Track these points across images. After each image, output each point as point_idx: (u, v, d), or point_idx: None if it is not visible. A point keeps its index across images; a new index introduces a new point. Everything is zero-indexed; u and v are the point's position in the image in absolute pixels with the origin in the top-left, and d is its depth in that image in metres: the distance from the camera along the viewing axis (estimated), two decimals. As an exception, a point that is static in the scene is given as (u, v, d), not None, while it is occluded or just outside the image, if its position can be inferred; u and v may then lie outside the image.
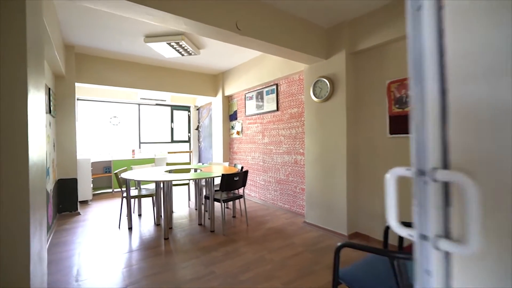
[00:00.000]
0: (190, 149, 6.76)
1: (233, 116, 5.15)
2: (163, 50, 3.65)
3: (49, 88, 3.08)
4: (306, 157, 3.23)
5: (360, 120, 2.81)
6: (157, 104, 6.20)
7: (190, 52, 3.74)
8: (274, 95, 4.01)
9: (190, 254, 2.42)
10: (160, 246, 2.62)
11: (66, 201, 3.69)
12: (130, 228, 3.14)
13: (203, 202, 3.54)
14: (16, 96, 1.07)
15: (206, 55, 4.17)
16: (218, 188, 3.52)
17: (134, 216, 3.65)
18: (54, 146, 3.42)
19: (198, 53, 3.85)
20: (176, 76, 4.93)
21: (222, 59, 4.41)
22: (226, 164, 4.20)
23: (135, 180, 2.80)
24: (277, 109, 3.96)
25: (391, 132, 2.50)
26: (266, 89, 4.20)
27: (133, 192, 3.39)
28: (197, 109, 6.75)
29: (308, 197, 3.21)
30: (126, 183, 3.12)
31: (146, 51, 3.92)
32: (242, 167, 3.61)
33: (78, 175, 4.23)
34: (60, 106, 3.64)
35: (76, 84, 4.49)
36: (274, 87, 4.01)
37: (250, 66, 4.40)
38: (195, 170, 3.86)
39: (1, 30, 1.06)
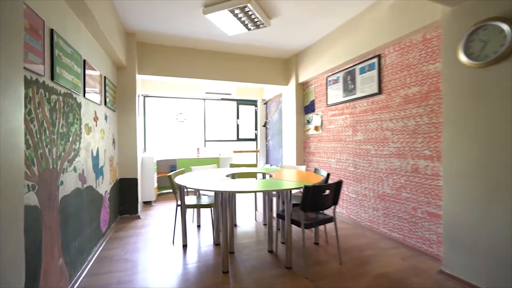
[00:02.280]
0: (257, 148, 6.04)
1: (309, 108, 4.11)
2: (226, 24, 2.92)
3: (104, 77, 2.72)
4: (446, 164, 1.93)
5: None
6: (222, 99, 5.70)
7: (258, 23, 2.90)
8: (374, 72, 2.80)
9: (257, 313, 1.53)
10: (216, 284, 1.84)
11: (127, 202, 3.39)
12: (184, 246, 2.51)
13: (274, 216, 2.65)
14: None
15: (277, 28, 3.27)
16: (295, 202, 2.57)
17: (192, 226, 3.05)
18: (113, 142, 3.12)
19: (268, 24, 2.98)
20: (242, 62, 4.21)
21: (298, 33, 3.43)
22: (302, 168, 3.22)
23: (186, 188, 2.12)
24: (380, 92, 2.74)
25: None
26: (360, 65, 3.01)
27: (191, 199, 2.77)
28: (265, 103, 5.97)
29: (450, 230, 1.91)
30: (180, 189, 2.50)
31: (207, 31, 3.29)
32: (328, 174, 2.56)
33: (142, 175, 3.97)
34: (121, 100, 3.35)
35: (141, 78, 4.28)
36: (375, 60, 2.79)
37: (335, 38, 3.28)
38: (263, 176, 3.01)
39: None
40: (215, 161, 5.11)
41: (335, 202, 2.11)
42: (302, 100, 4.29)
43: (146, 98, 5.14)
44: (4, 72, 0.86)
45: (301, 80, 4.15)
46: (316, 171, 2.87)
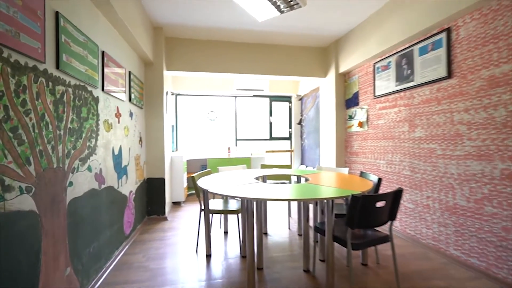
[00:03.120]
0: (291, 147, 5.62)
1: (351, 101, 3.58)
2: (255, 7, 2.59)
3: (129, 72, 2.60)
4: None
5: None
6: (254, 96, 5.41)
7: (292, 2, 2.51)
8: (441, 50, 2.20)
9: None
10: (240, 312, 1.51)
11: (154, 203, 3.27)
12: (208, 256, 2.24)
13: (311, 225, 2.25)
14: None
15: (314, 10, 2.85)
16: (338, 211, 2.14)
17: (219, 232, 2.79)
18: (140, 140, 3.01)
19: (304, 4, 2.57)
20: (275, 54, 3.85)
21: (338, 15, 2.95)
22: (345, 171, 2.74)
23: (209, 191, 1.83)
24: (449, 76, 2.14)
25: None
26: (420, 45, 2.43)
27: (217, 203, 2.50)
28: (300, 99, 5.52)
29: None
30: (204, 193, 2.24)
31: (236, 18, 3.01)
32: (379, 180, 2.06)
33: (171, 174, 3.86)
34: (149, 97, 3.25)
35: (172, 75, 4.20)
36: (442, 36, 2.20)
37: (384, 16, 2.74)
38: (298, 179, 2.61)
39: None
40: (246, 161, 4.83)
41: (392, 216, 1.63)
42: (343, 93, 3.77)
43: (178, 97, 5.09)
44: None
45: (341, 70, 3.64)
46: (362, 174, 2.38)
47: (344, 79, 3.78)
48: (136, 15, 2.50)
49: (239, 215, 2.36)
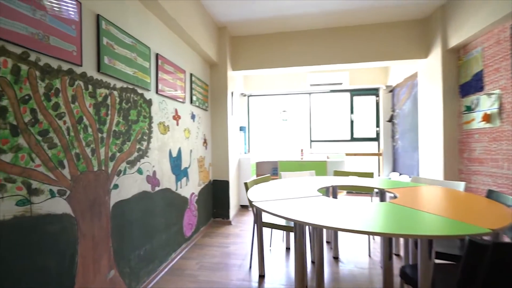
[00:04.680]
0: (379, 150, 4.65)
1: (470, 86, 2.52)
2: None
3: (190, 74, 2.60)
4: None
5: None
6: (331, 91, 4.76)
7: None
8: None
9: None
10: None
11: (219, 206, 3.23)
12: (261, 277, 1.93)
13: (400, 253, 1.59)
14: None
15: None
16: (442, 249, 1.43)
17: (280, 248, 2.43)
18: (205, 142, 3.02)
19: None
20: (355, 37, 3.18)
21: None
22: (459, 186, 1.88)
23: (257, 207, 1.52)
24: None
25: None
26: None
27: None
28: (390, 91, 4.49)
29: None
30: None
31: (300, 1, 2.59)
32: (529, 208, 1.23)
33: (240, 177, 3.77)
34: (214, 99, 3.23)
35: (240, 75, 4.14)
36: None
37: None
38: (382, 197, 1.98)
39: None
40: (321, 166, 4.26)
41: None
42: (456, 76, 2.71)
43: (250, 98, 5.04)
44: None
45: (452, 43, 2.62)
46: (493, 195, 1.53)
47: (456, 56, 2.72)
48: (194, 16, 2.47)
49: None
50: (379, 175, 4.66)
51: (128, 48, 1.63)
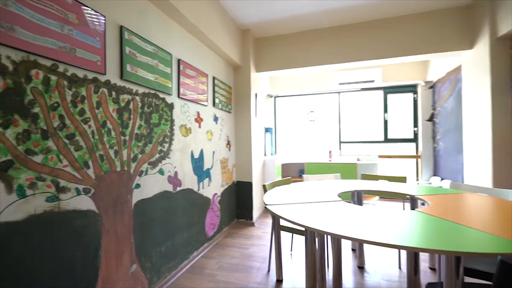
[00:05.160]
0: (417, 152, 4.26)
1: (526, 78, 2.17)
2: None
3: (213, 77, 2.67)
4: None
5: None
6: (362, 89, 4.49)
7: None
8: None
9: None
10: None
11: (242, 207, 3.25)
12: (279, 282, 1.89)
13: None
14: None
15: None
16: (474, 266, 1.25)
17: (300, 253, 2.36)
18: (228, 144, 3.07)
19: None
20: (387, 30, 2.97)
21: None
22: (510, 195, 1.62)
23: (266, 207, 1.49)
24: None
25: None
26: None
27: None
28: (431, 87, 4.08)
29: None
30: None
31: (325, -4, 2.49)
32: None
33: (264, 178, 3.76)
34: (238, 101, 3.27)
35: (266, 76, 4.12)
36: None
37: None
38: (413, 204, 1.81)
39: None
40: (351, 168, 4.04)
41: None
42: (507, 67, 2.36)
43: (277, 99, 5.00)
44: None
45: (503, 31, 2.28)
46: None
47: (508, 45, 2.36)
48: (216, 21, 2.53)
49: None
50: (417, 180, 4.27)
51: (150, 55, 1.73)
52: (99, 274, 1.34)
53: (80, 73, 1.25)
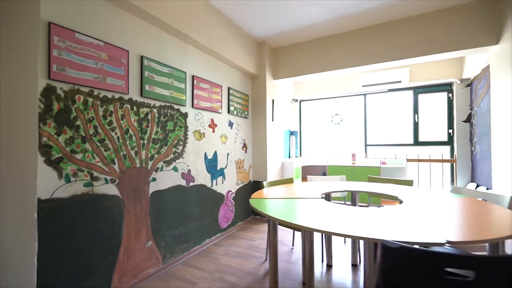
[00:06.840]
0: (452, 156, 3.91)
1: (553, 75, 1.95)
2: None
3: (228, 87, 3.03)
4: None
5: None
6: (390, 90, 4.33)
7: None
8: None
9: None
10: None
11: (258, 205, 3.52)
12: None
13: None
14: None
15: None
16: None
17: (298, 245, 2.52)
18: (244, 146, 3.38)
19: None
20: (407, 28, 2.92)
21: None
22: None
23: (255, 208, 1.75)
24: None
25: None
26: None
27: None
28: (468, 85, 3.73)
29: None
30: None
31: (323, 4, 2.62)
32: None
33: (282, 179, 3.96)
34: (255, 107, 3.57)
35: (295, 81, 4.32)
36: None
37: None
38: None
39: None
40: (375, 172, 3.96)
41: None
42: (537, 62, 2.13)
43: (302, 103, 5.13)
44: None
45: (528, 24, 2.09)
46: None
47: (538, 38, 2.14)
48: (230, 39, 2.87)
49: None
50: (452, 185, 3.91)
51: (166, 75, 2.16)
52: (121, 243, 1.78)
53: (109, 95, 1.72)
